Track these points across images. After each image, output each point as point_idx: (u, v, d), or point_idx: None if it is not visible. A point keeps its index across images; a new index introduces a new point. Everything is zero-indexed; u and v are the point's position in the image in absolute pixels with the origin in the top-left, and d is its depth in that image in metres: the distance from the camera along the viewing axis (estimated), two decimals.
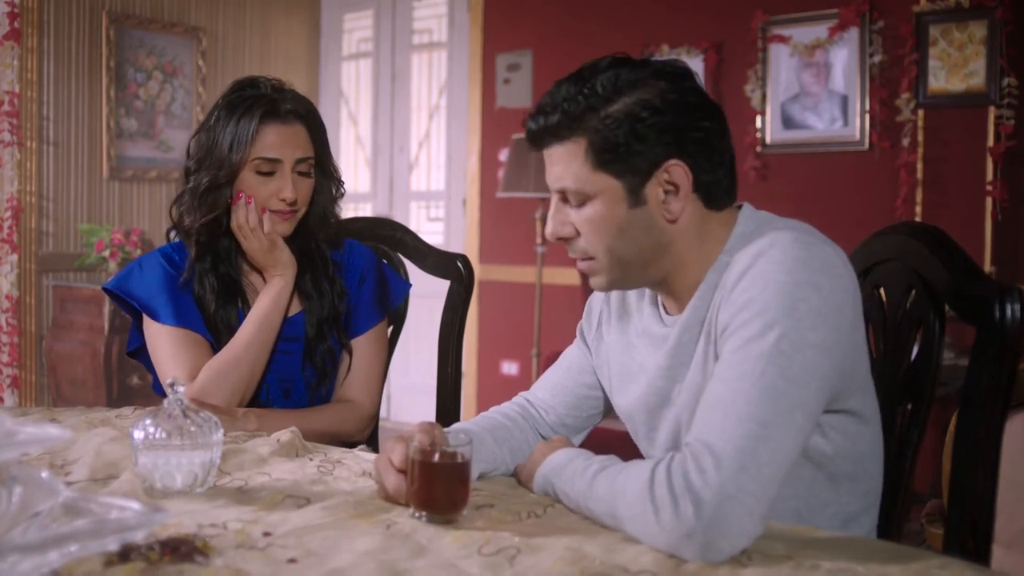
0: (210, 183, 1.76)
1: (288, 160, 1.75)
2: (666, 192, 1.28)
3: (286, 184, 1.75)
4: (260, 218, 1.76)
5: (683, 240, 1.31)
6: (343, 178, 1.91)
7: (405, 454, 1.21)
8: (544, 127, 1.30)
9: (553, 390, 1.54)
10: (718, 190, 1.31)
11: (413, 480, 1.18)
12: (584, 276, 1.41)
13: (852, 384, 1.24)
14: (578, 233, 1.32)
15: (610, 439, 1.68)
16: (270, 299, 1.78)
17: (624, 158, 1.26)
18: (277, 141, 1.75)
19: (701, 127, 1.28)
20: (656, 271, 1.33)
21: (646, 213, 1.28)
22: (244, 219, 1.76)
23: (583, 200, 1.29)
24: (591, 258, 1.33)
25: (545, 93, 1.32)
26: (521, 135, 1.41)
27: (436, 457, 1.18)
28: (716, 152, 1.29)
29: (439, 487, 1.17)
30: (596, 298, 1.54)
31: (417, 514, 1.17)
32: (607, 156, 1.26)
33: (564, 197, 1.32)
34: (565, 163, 1.29)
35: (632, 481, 1.11)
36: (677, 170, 1.27)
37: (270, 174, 1.75)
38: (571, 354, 1.57)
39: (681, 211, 1.29)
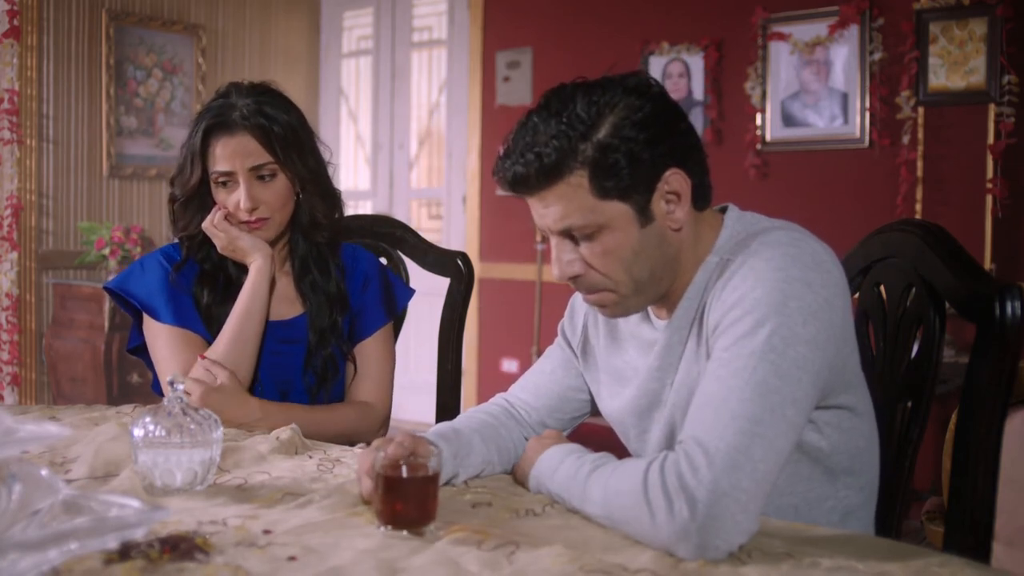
0: (184, 201, 1.81)
1: (239, 170, 1.75)
2: (667, 202, 1.27)
3: (240, 193, 1.76)
4: (220, 217, 1.78)
5: (684, 247, 1.31)
6: (343, 175, 1.89)
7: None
8: (539, 168, 1.23)
9: (535, 392, 1.53)
10: (705, 189, 1.31)
11: (376, 493, 1.14)
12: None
13: (844, 379, 1.25)
14: (589, 267, 1.29)
15: (602, 435, 1.67)
16: (248, 290, 1.78)
17: (628, 180, 1.24)
18: (225, 153, 1.75)
19: (682, 130, 1.29)
20: (666, 284, 1.32)
21: (656, 228, 1.28)
22: (209, 223, 1.79)
23: (594, 233, 1.26)
24: (606, 290, 1.30)
25: (514, 136, 1.26)
26: None
27: (403, 472, 1.13)
28: (698, 151, 1.31)
29: (402, 502, 1.12)
30: (579, 299, 1.51)
31: (380, 527, 1.12)
32: (610, 183, 1.23)
33: (567, 235, 1.28)
34: (566, 201, 1.25)
35: (626, 482, 1.11)
36: (676, 178, 1.27)
37: (227, 184, 1.77)
38: (553, 354, 1.56)
39: (685, 218, 1.29)
